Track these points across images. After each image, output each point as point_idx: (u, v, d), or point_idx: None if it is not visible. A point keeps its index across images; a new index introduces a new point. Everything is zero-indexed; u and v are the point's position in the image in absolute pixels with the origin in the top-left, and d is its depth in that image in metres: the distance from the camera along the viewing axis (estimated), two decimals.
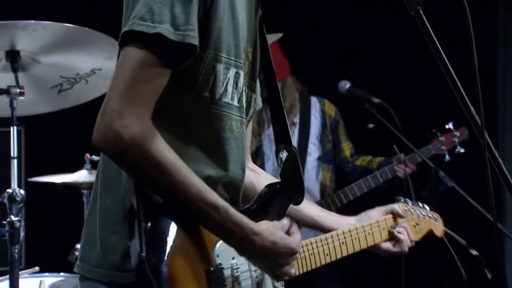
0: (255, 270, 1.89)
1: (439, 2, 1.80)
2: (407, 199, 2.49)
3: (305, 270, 2.03)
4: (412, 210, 2.45)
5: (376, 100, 3.93)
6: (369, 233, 2.25)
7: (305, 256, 2.04)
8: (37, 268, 3.52)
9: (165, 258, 1.69)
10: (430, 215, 2.53)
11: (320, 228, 2.22)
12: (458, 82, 1.74)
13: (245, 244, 1.79)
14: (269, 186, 1.99)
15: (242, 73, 1.84)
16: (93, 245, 1.81)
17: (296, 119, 4.25)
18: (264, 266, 1.85)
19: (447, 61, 1.74)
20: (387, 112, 3.89)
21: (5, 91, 2.91)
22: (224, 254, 1.82)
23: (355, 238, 2.21)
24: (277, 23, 2.20)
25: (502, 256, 3.72)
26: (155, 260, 1.67)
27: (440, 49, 1.76)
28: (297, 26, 4.78)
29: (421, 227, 2.47)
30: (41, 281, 3.47)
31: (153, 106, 1.67)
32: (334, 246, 2.14)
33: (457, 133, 4.11)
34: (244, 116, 1.89)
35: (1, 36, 2.84)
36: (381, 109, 3.93)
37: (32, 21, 2.80)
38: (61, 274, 3.61)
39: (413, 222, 2.43)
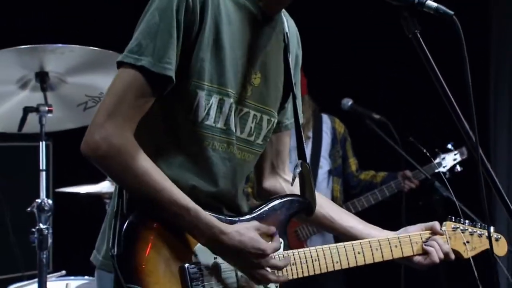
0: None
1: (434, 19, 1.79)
2: (461, 219, 2.39)
3: (306, 275, 2.02)
4: (462, 228, 2.35)
5: (376, 116, 3.94)
6: (396, 246, 2.19)
7: (311, 260, 2.02)
8: (63, 272, 3.53)
9: (135, 255, 1.76)
10: (480, 233, 2.40)
11: (355, 239, 2.17)
12: (453, 100, 1.75)
13: (215, 243, 1.83)
14: (276, 197, 2.04)
15: (228, 99, 1.88)
16: (103, 239, 1.95)
17: (310, 134, 4.25)
18: (238, 265, 1.88)
19: (442, 80, 1.74)
20: (386, 127, 3.89)
21: (35, 109, 2.93)
22: (205, 252, 1.86)
23: (376, 249, 2.15)
24: None
25: (495, 262, 3.70)
26: (123, 257, 1.75)
27: (436, 69, 1.77)
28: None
29: (473, 245, 2.36)
30: (67, 284, 3.47)
31: (135, 122, 1.79)
32: (346, 254, 2.10)
33: (457, 153, 4.11)
34: (232, 137, 1.92)
35: (32, 58, 2.86)
36: (381, 124, 3.93)
37: (60, 45, 2.83)
38: (86, 277, 3.60)
39: (462, 240, 2.34)
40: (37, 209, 2.88)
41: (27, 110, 2.96)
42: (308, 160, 2.09)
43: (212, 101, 1.85)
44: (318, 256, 2.04)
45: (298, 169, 2.05)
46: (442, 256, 2.22)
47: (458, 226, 2.34)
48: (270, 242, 1.88)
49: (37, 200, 2.89)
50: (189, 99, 1.83)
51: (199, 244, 1.84)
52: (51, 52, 2.84)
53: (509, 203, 1.79)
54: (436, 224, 2.27)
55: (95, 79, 3.02)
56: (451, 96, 1.75)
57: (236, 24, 1.87)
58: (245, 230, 1.85)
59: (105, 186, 3.85)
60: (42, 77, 2.94)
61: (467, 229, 2.36)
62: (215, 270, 1.86)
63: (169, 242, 1.82)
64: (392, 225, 2.33)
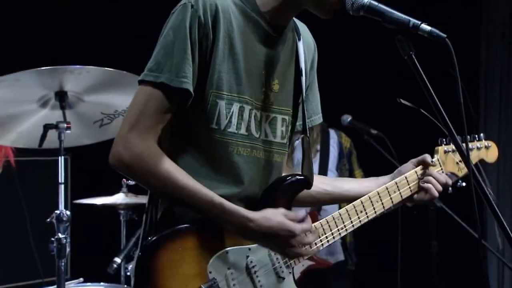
0: (255, 273, 1.89)
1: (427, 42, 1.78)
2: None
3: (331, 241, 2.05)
4: (452, 149, 2.29)
5: (373, 131, 3.95)
6: (394, 191, 2.17)
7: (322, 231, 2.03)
8: (81, 279, 3.51)
9: (153, 277, 1.75)
10: (480, 145, 2.40)
11: (357, 199, 2.14)
12: (447, 118, 1.75)
13: (244, 230, 1.83)
14: (278, 180, 2.01)
15: (247, 106, 1.87)
16: None
17: (318, 147, 4.24)
18: (270, 247, 1.89)
19: (437, 100, 1.74)
20: (383, 141, 3.89)
21: (55, 126, 2.93)
22: (218, 267, 1.84)
23: (377, 201, 2.13)
24: None
25: (486, 267, 3.70)
26: (141, 280, 1.76)
27: (431, 88, 1.77)
28: None
29: (464, 167, 2.31)
30: None
31: (157, 131, 1.80)
32: (358, 216, 2.10)
33: None
34: (257, 142, 1.91)
35: (52, 79, 2.86)
36: (378, 139, 3.94)
37: (78, 66, 2.83)
38: (101, 283, 3.59)
39: (454, 160, 2.31)
40: (56, 220, 2.87)
41: (47, 127, 2.95)
42: (316, 173, 2.08)
43: (233, 109, 1.85)
44: (329, 226, 2.04)
45: (298, 141, 2.05)
46: (440, 188, 2.20)
47: (449, 149, 2.30)
48: (299, 224, 1.86)
49: (56, 211, 2.88)
50: (210, 109, 1.83)
51: (212, 259, 1.83)
52: (69, 73, 2.84)
53: (499, 213, 1.78)
54: (426, 156, 2.24)
55: (110, 97, 3.03)
56: (444, 114, 1.74)
57: (248, 35, 1.87)
58: (272, 215, 1.84)
59: (119, 198, 3.84)
60: (61, 96, 2.94)
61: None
62: (229, 281, 1.84)
63: (184, 263, 1.81)
64: (389, 234, 2.33)
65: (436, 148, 2.32)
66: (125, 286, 3.63)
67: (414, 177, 2.21)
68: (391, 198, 2.17)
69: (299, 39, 2.05)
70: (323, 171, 4.23)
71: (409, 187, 2.19)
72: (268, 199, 1.95)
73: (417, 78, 1.75)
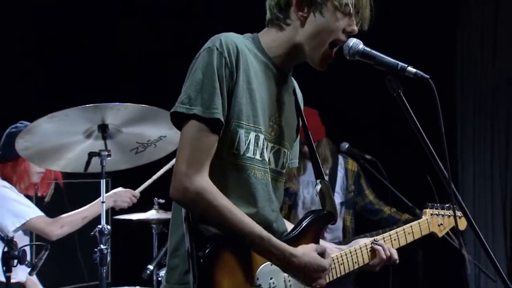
0: (290, 286, 1.85)
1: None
2: (435, 204, 2.41)
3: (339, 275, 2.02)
4: (437, 213, 2.38)
5: (368, 157, 3.92)
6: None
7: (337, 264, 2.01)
8: None
9: (212, 284, 1.70)
10: (449, 214, 2.42)
11: None
12: (430, 146, 1.73)
13: (285, 264, 1.78)
14: (306, 215, 1.98)
15: (261, 135, 1.84)
16: (166, 268, 1.86)
17: (327, 171, 4.18)
18: (302, 279, 1.84)
19: (423, 132, 1.73)
20: (376, 165, 3.87)
21: (97, 154, 2.95)
22: (264, 276, 1.79)
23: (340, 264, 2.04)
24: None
25: (466, 273, 3.66)
26: (203, 286, 1.69)
27: (417, 121, 1.75)
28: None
29: (445, 225, 2.39)
30: None
31: (208, 165, 1.73)
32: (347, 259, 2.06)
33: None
34: (267, 167, 1.88)
35: (95, 114, 2.88)
36: (371, 163, 3.92)
37: (117, 103, 2.85)
38: (137, 287, 3.60)
39: (438, 222, 2.36)
40: (98, 233, 2.87)
41: (91, 155, 2.97)
42: None
43: (250, 137, 1.81)
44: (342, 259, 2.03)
45: (319, 187, 2.02)
46: (388, 254, 2.10)
47: (434, 212, 2.37)
48: (326, 259, 1.85)
49: (98, 226, 2.88)
50: (231, 137, 1.78)
51: (260, 267, 1.79)
52: (110, 109, 2.86)
53: (475, 225, 1.76)
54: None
55: (143, 129, 3.04)
56: (428, 143, 1.73)
57: (260, 75, 1.85)
58: (308, 251, 1.82)
59: (152, 214, 3.83)
60: (103, 129, 2.96)
61: (440, 213, 2.38)
62: None
63: (236, 271, 1.75)
64: None
65: (424, 210, 2.38)
66: None
67: (367, 242, 2.12)
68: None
69: (295, 88, 2.04)
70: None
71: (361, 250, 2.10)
72: (300, 231, 1.92)
73: (405, 113, 1.74)
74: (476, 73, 5.15)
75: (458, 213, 2.35)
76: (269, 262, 1.80)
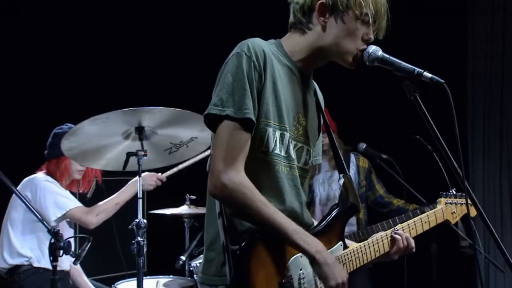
0: (315, 276, 1.82)
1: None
2: (448, 193, 2.41)
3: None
4: (451, 201, 2.37)
5: (384, 156, 3.89)
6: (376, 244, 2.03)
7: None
8: None
9: (245, 278, 1.68)
10: (462, 202, 2.39)
11: None
12: (446, 147, 1.71)
13: (317, 266, 1.76)
14: (331, 208, 1.96)
15: (287, 133, 1.83)
16: (202, 260, 1.85)
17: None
18: (325, 276, 1.77)
19: (437, 132, 1.71)
20: (391, 164, 3.83)
21: (135, 154, 2.97)
22: (294, 267, 1.77)
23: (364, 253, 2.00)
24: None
25: (479, 267, 3.59)
26: (239, 278, 1.67)
27: (432, 122, 1.74)
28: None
29: (457, 213, 2.37)
30: (157, 281, 3.48)
31: (244, 161, 1.71)
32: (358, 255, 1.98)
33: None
34: (294, 163, 1.86)
35: (133, 117, 2.90)
36: (387, 162, 3.88)
37: (152, 107, 2.86)
38: (170, 276, 3.60)
39: (451, 210, 2.34)
40: (135, 226, 2.88)
41: (129, 155, 2.99)
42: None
43: (277, 135, 1.79)
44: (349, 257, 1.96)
45: (342, 180, 1.99)
46: (405, 243, 2.04)
47: (448, 201, 2.36)
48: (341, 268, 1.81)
49: (136, 220, 2.89)
50: (260, 135, 1.77)
51: (291, 259, 1.77)
52: (146, 112, 2.87)
53: (485, 216, 1.76)
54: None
55: (176, 130, 3.05)
56: (443, 143, 1.71)
57: (284, 78, 1.84)
58: (336, 263, 1.79)
59: (184, 209, 3.86)
60: (140, 131, 2.97)
61: (454, 202, 2.37)
62: (300, 280, 1.78)
63: (268, 263, 1.73)
64: None
65: (438, 199, 2.37)
66: (189, 278, 3.62)
67: (387, 232, 2.07)
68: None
69: (316, 89, 2.03)
70: None
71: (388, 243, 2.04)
72: (327, 224, 1.91)
73: (421, 116, 1.72)
74: (485, 71, 5.07)
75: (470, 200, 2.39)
76: (299, 254, 1.78)
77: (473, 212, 2.39)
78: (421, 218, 2.19)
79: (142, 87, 5.06)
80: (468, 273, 4.69)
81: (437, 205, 2.35)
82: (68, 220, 3.57)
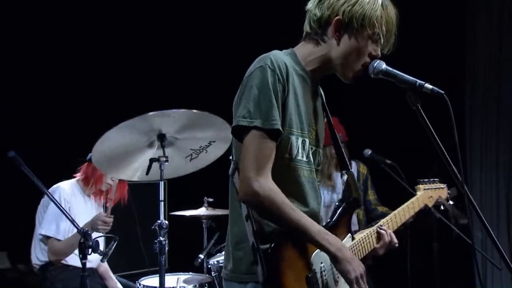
0: (332, 268, 1.83)
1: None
2: (425, 180, 2.47)
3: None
4: (428, 187, 2.42)
5: (388, 161, 3.88)
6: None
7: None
8: None
9: (275, 276, 1.68)
10: (439, 186, 2.48)
11: None
12: (446, 153, 1.70)
13: (337, 263, 1.75)
14: (338, 205, 1.97)
15: (307, 140, 1.83)
16: (227, 258, 1.84)
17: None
18: (345, 269, 1.76)
19: (439, 141, 1.70)
20: (395, 169, 3.82)
21: (157, 160, 2.95)
22: (316, 261, 1.79)
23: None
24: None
25: (477, 264, 3.55)
26: (272, 275, 1.67)
27: (433, 130, 1.73)
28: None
29: (433, 197, 2.42)
30: (178, 278, 3.48)
31: (271, 168, 1.70)
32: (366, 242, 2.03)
33: (449, 191, 3.93)
34: (313, 167, 1.87)
35: (153, 121, 2.85)
36: (391, 167, 3.87)
37: (172, 110, 2.80)
38: (190, 273, 3.61)
39: (428, 195, 2.40)
40: (158, 227, 2.88)
41: (151, 161, 2.97)
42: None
43: (299, 142, 1.80)
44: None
45: (345, 177, 1.99)
46: (389, 239, 2.06)
47: (426, 187, 2.44)
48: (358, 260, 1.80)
49: (158, 221, 2.89)
50: (285, 143, 1.77)
51: (313, 255, 1.78)
52: (167, 116, 2.82)
53: (486, 222, 1.73)
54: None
55: (195, 135, 2.98)
56: (444, 150, 1.70)
57: (299, 86, 1.84)
58: (354, 257, 1.78)
59: (202, 211, 3.87)
60: (161, 138, 2.95)
61: (431, 187, 2.44)
62: (322, 273, 1.80)
63: (295, 260, 1.74)
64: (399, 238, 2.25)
65: (417, 186, 2.44)
66: (207, 274, 3.62)
67: (374, 228, 2.09)
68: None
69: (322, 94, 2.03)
70: None
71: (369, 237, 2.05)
72: (336, 219, 1.93)
73: (423, 125, 1.72)
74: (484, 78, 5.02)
75: (441, 185, 2.51)
76: (318, 250, 1.78)
77: (444, 194, 2.51)
78: (407, 206, 2.24)
79: (155, 93, 5.02)
80: (467, 271, 4.64)
81: (417, 192, 2.40)
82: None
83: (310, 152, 1.86)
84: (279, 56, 1.78)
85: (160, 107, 2.82)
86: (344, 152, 2.08)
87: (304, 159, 1.82)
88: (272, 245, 1.69)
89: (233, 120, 1.78)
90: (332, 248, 1.74)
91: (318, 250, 1.78)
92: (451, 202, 3.86)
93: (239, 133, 1.73)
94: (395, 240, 2.08)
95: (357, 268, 1.75)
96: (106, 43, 5.07)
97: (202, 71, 5.21)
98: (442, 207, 3.76)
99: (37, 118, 4.81)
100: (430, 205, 2.40)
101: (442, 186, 2.48)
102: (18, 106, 4.78)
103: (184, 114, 2.86)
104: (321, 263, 1.80)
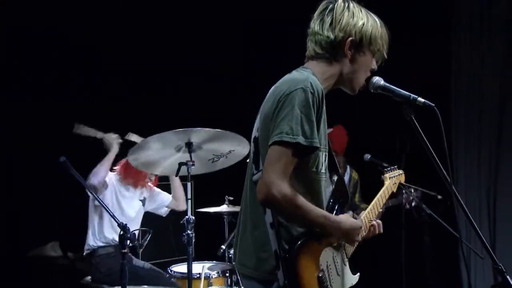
0: (336, 263, 1.81)
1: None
2: (388, 169, 2.44)
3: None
4: (391, 175, 2.40)
5: (385, 165, 3.81)
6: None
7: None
8: None
9: (297, 275, 1.66)
10: (398, 173, 2.46)
11: None
12: (437, 158, 1.69)
13: (339, 231, 1.75)
14: (332, 206, 1.91)
15: (326, 153, 1.79)
16: (249, 257, 1.76)
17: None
18: (346, 240, 1.79)
19: (430, 146, 1.69)
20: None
21: (185, 163, 2.97)
22: (323, 260, 1.76)
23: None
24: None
25: (464, 257, 3.49)
26: (292, 280, 1.65)
27: (426, 139, 1.71)
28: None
29: (396, 183, 2.40)
30: (203, 266, 3.49)
31: (289, 176, 1.65)
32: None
33: (416, 194, 3.81)
34: (327, 177, 1.83)
35: (184, 136, 2.93)
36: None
37: (199, 128, 2.88)
38: (213, 261, 3.61)
39: (392, 182, 2.37)
40: (186, 222, 2.89)
41: (180, 164, 3.00)
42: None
43: (323, 157, 1.76)
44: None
45: (335, 177, 1.93)
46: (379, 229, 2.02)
47: (391, 175, 2.40)
48: (358, 220, 1.81)
49: (186, 217, 2.91)
50: (314, 158, 1.71)
51: (320, 256, 1.75)
52: (194, 132, 2.90)
53: (470, 217, 1.72)
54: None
55: (216, 145, 3.05)
56: (435, 155, 1.69)
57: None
58: (346, 217, 1.78)
59: (224, 208, 3.86)
60: (189, 145, 2.98)
61: (395, 174, 2.41)
62: (328, 270, 1.78)
63: (309, 263, 1.71)
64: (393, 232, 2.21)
65: (383, 176, 2.40)
66: (228, 263, 3.62)
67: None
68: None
69: None
70: None
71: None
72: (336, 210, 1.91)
73: (416, 134, 1.70)
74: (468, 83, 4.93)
75: (400, 171, 2.48)
76: (324, 249, 1.76)
77: (402, 179, 2.47)
78: (380, 196, 2.22)
79: (191, 112, 5.00)
80: (454, 260, 4.57)
81: (385, 181, 2.36)
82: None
83: (326, 164, 1.82)
84: (316, 81, 1.70)
85: (193, 123, 2.88)
86: (335, 157, 2.05)
87: (323, 171, 1.78)
88: (291, 252, 1.66)
89: (263, 130, 1.72)
90: (337, 225, 1.73)
91: (323, 250, 1.76)
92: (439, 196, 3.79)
93: (278, 145, 1.64)
94: (381, 229, 2.04)
95: (357, 233, 1.78)
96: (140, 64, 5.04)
97: (222, 88, 5.18)
98: (413, 203, 3.69)
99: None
100: (394, 190, 2.38)
101: (401, 172, 2.47)
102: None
103: (209, 131, 2.91)
104: (326, 261, 1.77)
